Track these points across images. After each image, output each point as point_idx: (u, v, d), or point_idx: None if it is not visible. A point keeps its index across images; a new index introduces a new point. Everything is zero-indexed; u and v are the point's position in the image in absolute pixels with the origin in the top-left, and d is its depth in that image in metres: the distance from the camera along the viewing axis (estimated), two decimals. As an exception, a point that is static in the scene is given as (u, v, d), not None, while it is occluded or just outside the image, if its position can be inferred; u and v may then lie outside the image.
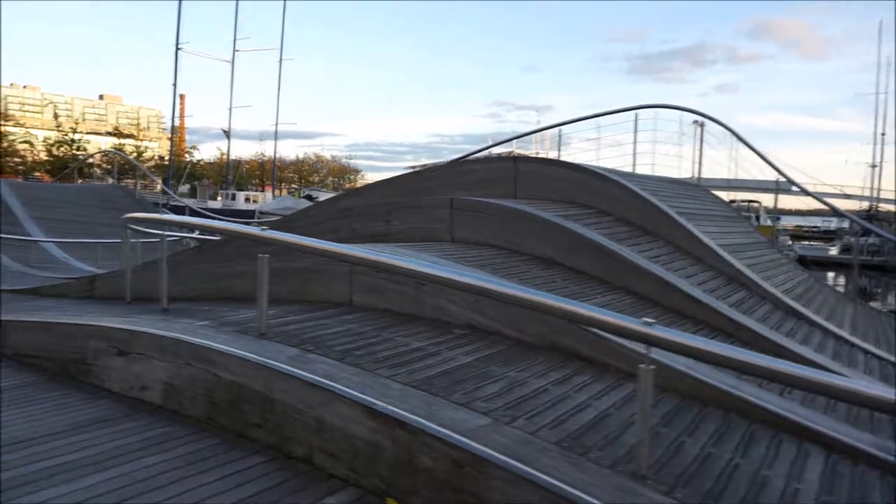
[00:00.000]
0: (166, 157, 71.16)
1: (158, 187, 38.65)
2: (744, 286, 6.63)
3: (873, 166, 49.85)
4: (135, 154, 53.92)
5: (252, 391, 3.41)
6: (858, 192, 45.30)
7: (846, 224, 34.45)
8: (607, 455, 2.79)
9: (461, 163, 8.67)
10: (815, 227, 55.81)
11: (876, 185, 47.86)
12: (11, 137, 54.06)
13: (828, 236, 46.38)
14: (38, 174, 53.54)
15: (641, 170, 11.64)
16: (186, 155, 69.14)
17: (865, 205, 42.39)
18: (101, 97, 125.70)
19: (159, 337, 3.96)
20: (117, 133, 63.24)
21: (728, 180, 11.76)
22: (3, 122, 53.80)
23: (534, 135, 17.54)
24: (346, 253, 3.69)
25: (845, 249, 33.56)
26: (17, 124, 57.48)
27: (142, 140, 66.14)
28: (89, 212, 19.05)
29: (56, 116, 65.76)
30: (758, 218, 29.31)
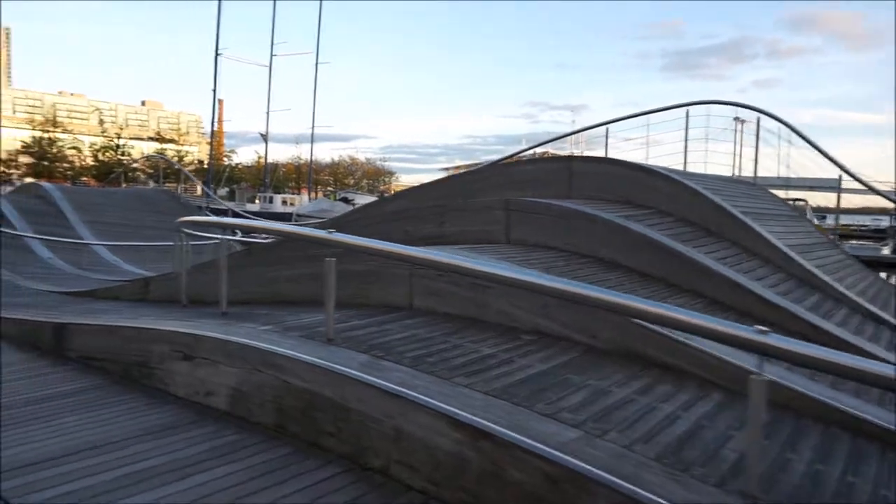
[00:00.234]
0: (205, 161, 72.82)
1: (199, 190, 39.50)
2: (817, 289, 6.30)
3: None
4: (176, 158, 55.12)
5: (325, 399, 3.32)
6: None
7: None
8: (711, 472, 2.60)
9: (512, 163, 8.50)
10: (864, 225, 53.72)
11: (928, 182, 45.75)
12: (60, 143, 55.95)
13: (878, 235, 44.54)
14: (84, 179, 55.31)
15: (692, 168, 11.31)
16: (225, 159, 70.48)
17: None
18: (143, 103, 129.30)
19: (225, 342, 3.90)
20: (159, 138, 64.87)
21: (787, 179, 11.26)
22: (52, 129, 55.66)
23: (569, 136, 17.28)
24: (416, 256, 3.57)
25: (901, 249, 32.15)
26: (65, 131, 59.38)
27: (182, 145, 67.67)
28: (136, 215, 19.47)
29: (101, 123, 67.86)
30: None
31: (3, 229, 14.09)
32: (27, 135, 57.25)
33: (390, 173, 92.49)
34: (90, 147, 60.35)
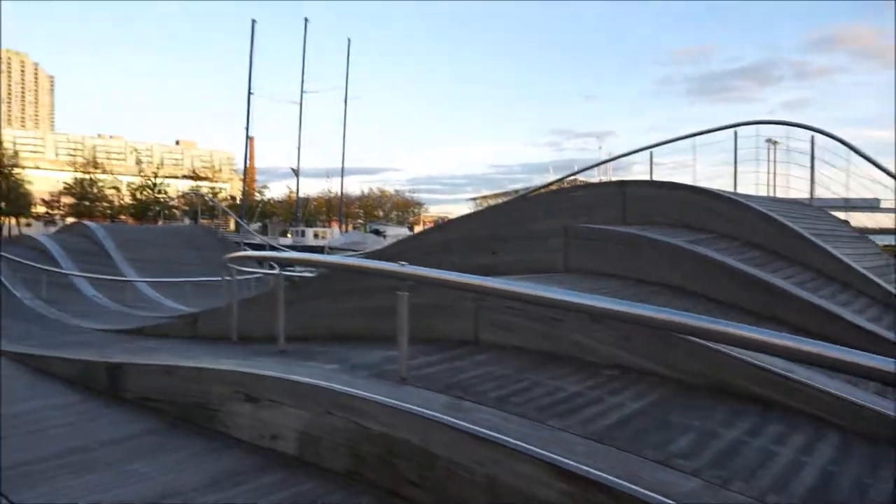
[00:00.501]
0: (237, 197, 74.29)
1: (232, 225, 40.12)
2: (904, 313, 5.88)
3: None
4: (210, 195, 56.37)
5: (406, 444, 3.08)
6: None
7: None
8: (861, 529, 2.28)
9: (560, 190, 8.27)
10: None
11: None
12: (101, 184, 57.69)
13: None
14: (122, 217, 56.79)
15: (743, 190, 10.94)
16: (257, 194, 71.79)
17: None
18: (177, 143, 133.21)
19: (293, 383, 3.71)
20: (194, 176, 66.45)
21: (847, 199, 10.79)
22: (93, 171, 57.47)
23: (608, 162, 17.03)
24: (496, 288, 3.36)
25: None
26: (105, 171, 61.29)
27: (216, 182, 69.21)
28: (175, 251, 19.75)
29: (139, 162, 69.93)
30: None
31: (49, 268, 14.35)
32: (69, 176, 59.20)
33: (419, 204, 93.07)
34: (128, 186, 62.11)
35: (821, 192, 11.56)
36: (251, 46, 51.03)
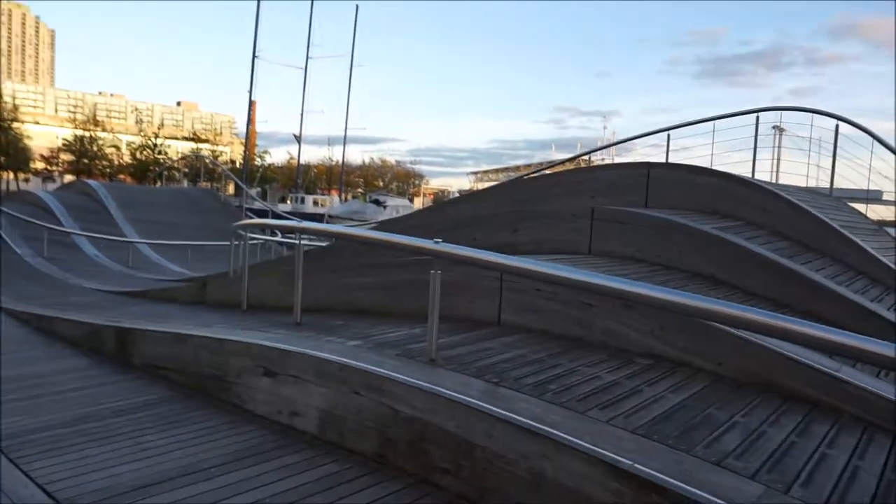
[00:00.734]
0: (237, 162, 73.48)
1: (230, 189, 39.67)
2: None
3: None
4: (211, 158, 55.76)
5: (440, 430, 2.94)
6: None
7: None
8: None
9: (583, 168, 8.06)
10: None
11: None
12: (101, 142, 56.97)
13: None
14: (121, 176, 56.20)
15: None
16: (257, 159, 71.06)
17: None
18: (178, 104, 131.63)
19: (320, 360, 3.56)
20: (195, 138, 65.65)
21: (868, 191, 10.55)
22: (93, 128, 56.70)
23: (621, 143, 16.72)
24: (542, 272, 3.17)
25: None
26: (105, 129, 60.47)
27: (217, 145, 68.44)
28: (179, 214, 19.51)
29: (140, 122, 69.01)
30: None
31: (51, 226, 14.13)
32: (68, 133, 58.40)
33: (420, 176, 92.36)
34: (128, 146, 61.38)
35: (821, 182, 11.32)
36: (257, 8, 49.97)
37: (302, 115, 55.34)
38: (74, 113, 68.59)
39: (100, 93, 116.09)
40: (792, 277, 5.08)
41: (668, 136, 11.85)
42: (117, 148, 60.68)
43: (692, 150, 11.63)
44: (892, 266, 6.07)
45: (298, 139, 57.85)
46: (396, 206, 54.55)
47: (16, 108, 55.59)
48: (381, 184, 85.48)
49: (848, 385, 3.37)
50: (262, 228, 11.88)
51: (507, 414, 2.74)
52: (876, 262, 6.12)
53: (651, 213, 5.81)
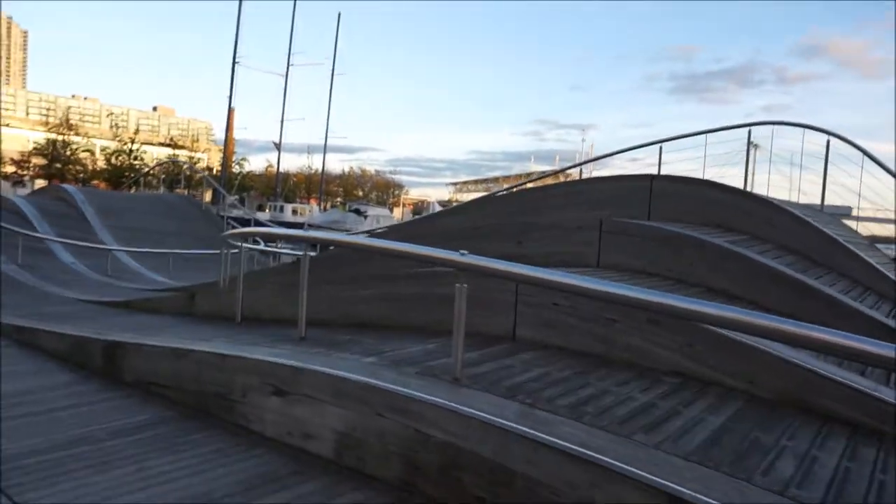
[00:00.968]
0: (214, 169, 72.43)
1: (207, 197, 38.95)
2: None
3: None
4: (188, 165, 54.96)
5: (475, 456, 2.75)
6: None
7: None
8: None
9: (585, 180, 7.98)
10: None
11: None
12: (74, 146, 55.73)
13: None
14: (95, 182, 54.97)
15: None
16: (236, 166, 70.16)
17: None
18: (154, 109, 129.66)
19: (337, 378, 3.34)
20: (172, 144, 64.67)
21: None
22: (66, 132, 55.48)
23: (606, 157, 16.73)
24: (596, 290, 2.99)
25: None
26: (78, 134, 59.20)
27: (195, 151, 67.51)
28: (158, 221, 19.02)
29: (116, 126, 67.64)
30: None
31: (25, 232, 13.60)
32: (40, 136, 57.05)
33: (400, 186, 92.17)
34: (102, 151, 60.13)
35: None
36: (238, 13, 49.47)
37: (282, 122, 54.73)
38: (47, 116, 67.11)
39: (73, 96, 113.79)
40: (806, 292, 5.01)
41: (661, 148, 11.86)
42: (91, 152, 59.37)
43: (673, 165, 11.66)
44: (898, 281, 6.06)
45: (278, 147, 57.18)
46: (377, 215, 54.24)
47: (-14, 110, 54.14)
48: (361, 193, 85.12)
49: (887, 405, 3.27)
50: (245, 237, 11.57)
51: (551, 439, 2.56)
52: (882, 277, 6.10)
53: (661, 225, 5.71)
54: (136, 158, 55.84)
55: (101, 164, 58.20)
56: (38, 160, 56.70)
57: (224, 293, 7.18)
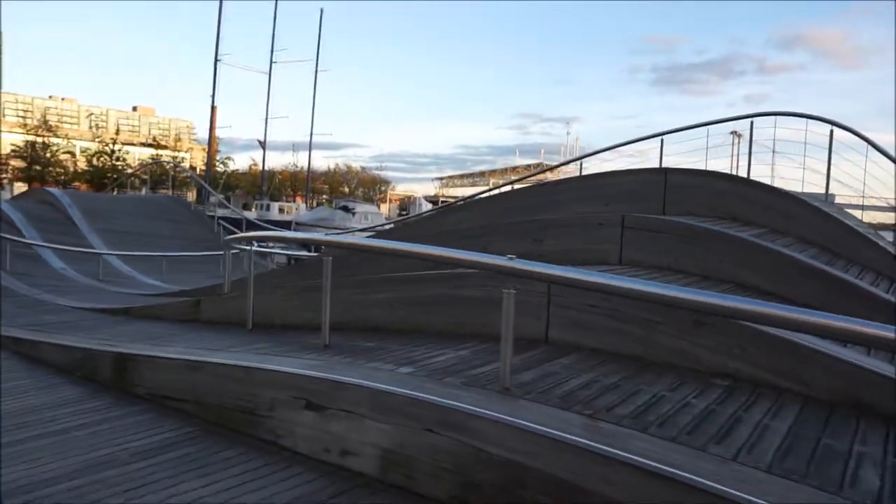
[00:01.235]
0: (198, 168, 71.50)
1: (191, 196, 38.41)
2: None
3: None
4: (174, 164, 54.18)
5: (542, 475, 2.59)
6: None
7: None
8: None
9: (598, 175, 7.83)
10: None
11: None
12: (54, 148, 54.65)
13: None
14: (76, 184, 53.97)
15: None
16: (220, 165, 69.31)
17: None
18: (134, 109, 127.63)
19: (378, 392, 3.16)
20: (155, 144, 63.71)
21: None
22: (46, 134, 54.38)
23: (609, 150, 16.59)
24: (654, 293, 2.84)
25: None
26: (57, 135, 58.07)
27: (178, 151, 66.58)
28: (148, 223, 18.62)
29: (97, 127, 66.49)
30: None
31: (12, 238, 13.20)
32: (18, 138, 55.88)
33: (386, 182, 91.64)
34: (83, 152, 59.08)
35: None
36: (220, 10, 48.68)
37: (266, 120, 54.01)
38: (24, 118, 65.78)
39: (50, 96, 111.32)
40: (838, 286, 4.91)
41: (662, 140, 11.76)
42: (72, 154, 58.30)
43: (671, 158, 11.57)
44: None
45: (263, 145, 56.48)
46: (365, 212, 53.82)
47: (-39, 113, 52.94)
48: (347, 190, 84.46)
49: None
50: (250, 241, 11.28)
51: (627, 455, 2.41)
52: (905, 268, 6.02)
53: (685, 220, 5.58)
54: (118, 159, 54.88)
55: (82, 165, 57.14)
56: (16, 163, 55.55)
57: (229, 299, 6.96)
